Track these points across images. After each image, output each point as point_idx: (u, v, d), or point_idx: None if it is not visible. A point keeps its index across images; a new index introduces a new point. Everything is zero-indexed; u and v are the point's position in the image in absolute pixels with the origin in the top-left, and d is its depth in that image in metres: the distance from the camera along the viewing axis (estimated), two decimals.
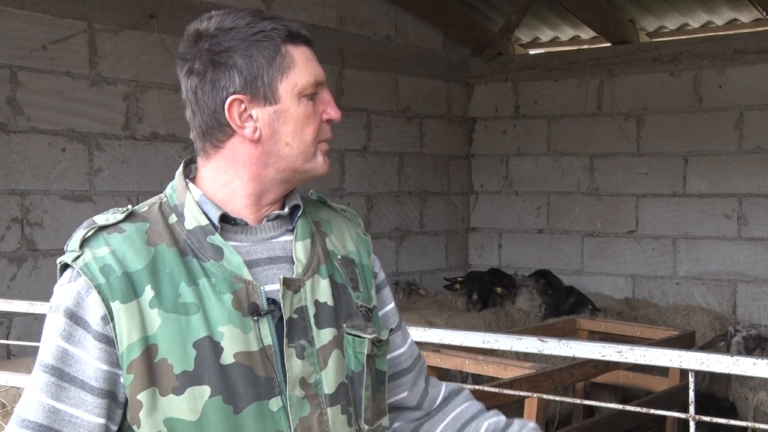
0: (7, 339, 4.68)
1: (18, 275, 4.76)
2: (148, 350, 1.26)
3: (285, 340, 1.32)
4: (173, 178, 1.44)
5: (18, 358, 4.54)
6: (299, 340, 1.34)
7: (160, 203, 1.39)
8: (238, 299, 1.31)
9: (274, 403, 1.30)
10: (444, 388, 1.62)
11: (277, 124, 1.35)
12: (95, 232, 1.32)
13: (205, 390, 1.26)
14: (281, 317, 1.34)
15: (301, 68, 1.35)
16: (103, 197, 5.07)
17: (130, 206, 1.39)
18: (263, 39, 1.33)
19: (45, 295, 4.67)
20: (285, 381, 1.32)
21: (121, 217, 1.35)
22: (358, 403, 1.39)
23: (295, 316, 1.34)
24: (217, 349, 1.28)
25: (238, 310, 1.30)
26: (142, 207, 1.39)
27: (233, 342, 1.29)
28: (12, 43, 4.67)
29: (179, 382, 1.26)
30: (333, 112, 1.40)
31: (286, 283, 1.34)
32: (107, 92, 5.09)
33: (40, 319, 4.76)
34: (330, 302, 1.39)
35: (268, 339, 1.32)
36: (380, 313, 1.54)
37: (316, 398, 1.34)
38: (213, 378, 1.27)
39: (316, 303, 1.37)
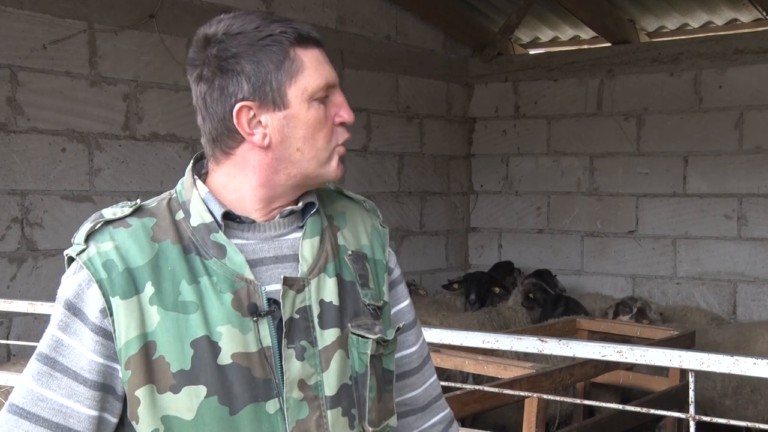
0: (7, 339, 4.68)
1: (18, 275, 4.76)
2: (146, 347, 1.26)
3: (284, 341, 1.30)
4: (173, 178, 1.43)
5: (18, 358, 4.54)
6: (300, 341, 1.31)
7: (169, 199, 1.38)
8: (238, 299, 1.29)
9: (271, 405, 1.28)
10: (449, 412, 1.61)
11: (287, 129, 1.32)
12: (101, 226, 1.32)
13: (201, 390, 1.25)
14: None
15: (310, 71, 1.32)
16: (103, 197, 5.07)
17: (138, 200, 1.38)
18: (271, 43, 1.30)
19: (45, 295, 4.66)
20: (283, 383, 1.30)
21: (128, 211, 1.34)
22: (362, 404, 1.35)
23: (297, 316, 1.32)
24: (214, 349, 1.26)
25: (237, 310, 1.28)
26: (151, 202, 1.38)
27: (231, 342, 1.27)
28: (12, 43, 4.67)
29: (176, 381, 1.25)
30: (346, 115, 1.37)
31: (288, 282, 1.31)
32: (107, 92, 5.09)
33: (40, 319, 4.76)
34: (335, 302, 1.35)
35: (268, 340, 1.29)
36: (393, 311, 1.50)
37: (315, 400, 1.31)
38: (209, 378, 1.26)
39: (321, 302, 1.34)
